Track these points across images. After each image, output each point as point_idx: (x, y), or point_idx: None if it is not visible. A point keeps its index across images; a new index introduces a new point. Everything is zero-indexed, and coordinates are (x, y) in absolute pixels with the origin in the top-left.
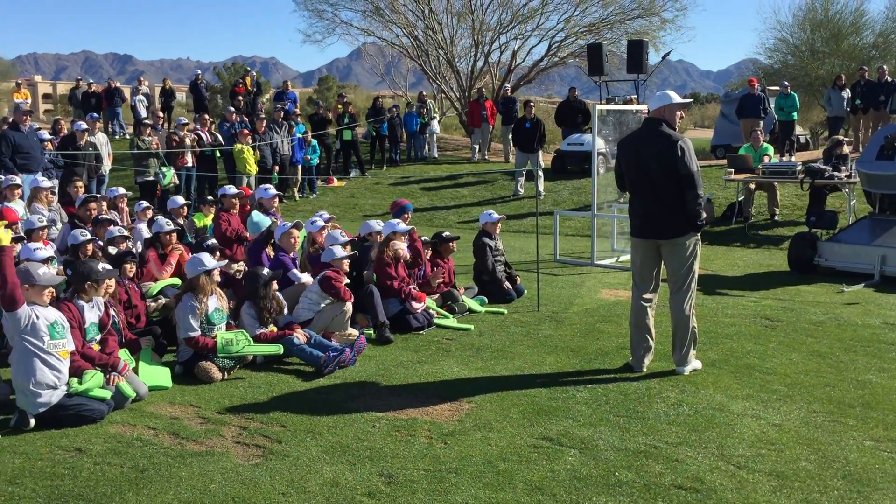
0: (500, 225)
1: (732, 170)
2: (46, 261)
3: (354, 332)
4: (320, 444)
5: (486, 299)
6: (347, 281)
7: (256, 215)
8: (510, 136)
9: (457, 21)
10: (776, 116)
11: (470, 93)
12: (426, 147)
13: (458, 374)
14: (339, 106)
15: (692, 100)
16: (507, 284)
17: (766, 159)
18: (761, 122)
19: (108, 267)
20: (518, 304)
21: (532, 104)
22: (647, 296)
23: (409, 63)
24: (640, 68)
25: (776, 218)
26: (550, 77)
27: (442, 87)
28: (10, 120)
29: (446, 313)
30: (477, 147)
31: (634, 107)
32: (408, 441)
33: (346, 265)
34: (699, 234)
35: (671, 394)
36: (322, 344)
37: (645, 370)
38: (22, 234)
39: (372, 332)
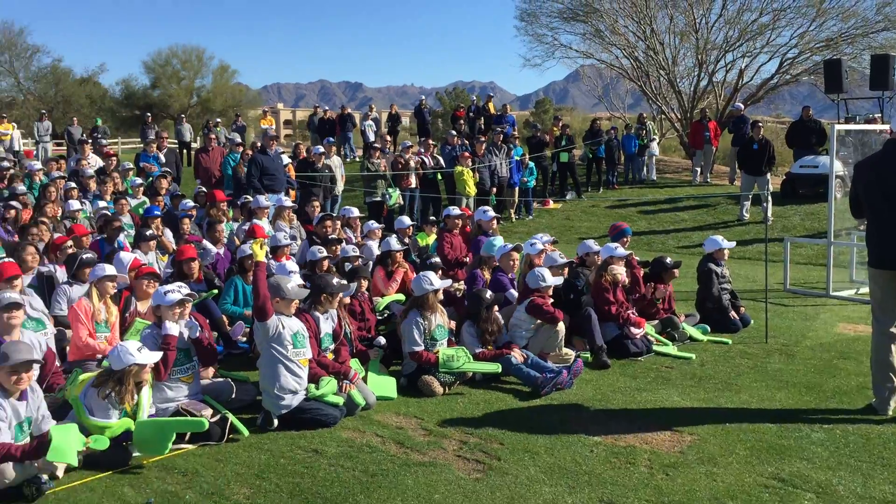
0: (726, 251)
1: None
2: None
3: (570, 353)
4: (538, 464)
5: (709, 328)
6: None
7: (497, 239)
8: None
9: (679, 40)
10: None
11: (692, 113)
12: (644, 169)
13: (679, 403)
14: (556, 128)
15: None
16: (732, 313)
17: None
18: None
19: (343, 282)
20: (743, 335)
21: (760, 124)
22: (892, 330)
23: (627, 84)
24: (884, 85)
25: None
26: (781, 96)
27: (662, 108)
28: (259, 145)
29: (666, 340)
30: (699, 169)
31: (878, 126)
32: (627, 469)
33: (550, 289)
34: None
35: None
36: (539, 365)
37: (890, 413)
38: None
39: (589, 355)
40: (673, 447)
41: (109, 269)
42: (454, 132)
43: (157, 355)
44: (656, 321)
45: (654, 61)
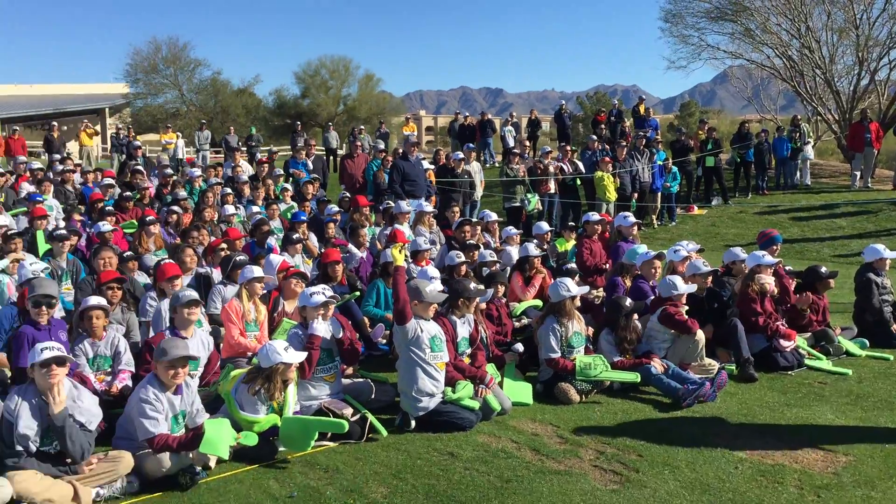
0: (888, 261)
1: None
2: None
3: (714, 364)
4: (678, 478)
5: (868, 342)
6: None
7: (640, 247)
8: None
9: (838, 38)
10: None
11: (851, 114)
12: (798, 174)
13: (833, 421)
14: (702, 132)
15: None
16: (894, 326)
17: None
18: None
19: (480, 287)
20: None
21: None
22: None
23: (780, 85)
24: None
25: None
26: None
27: (818, 109)
28: (400, 151)
29: (819, 354)
30: (858, 174)
31: None
32: (775, 488)
33: (683, 298)
34: None
35: None
36: (680, 376)
37: None
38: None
39: (734, 367)
40: (826, 468)
41: (258, 272)
42: (594, 136)
43: (302, 355)
44: (809, 334)
45: (809, 60)
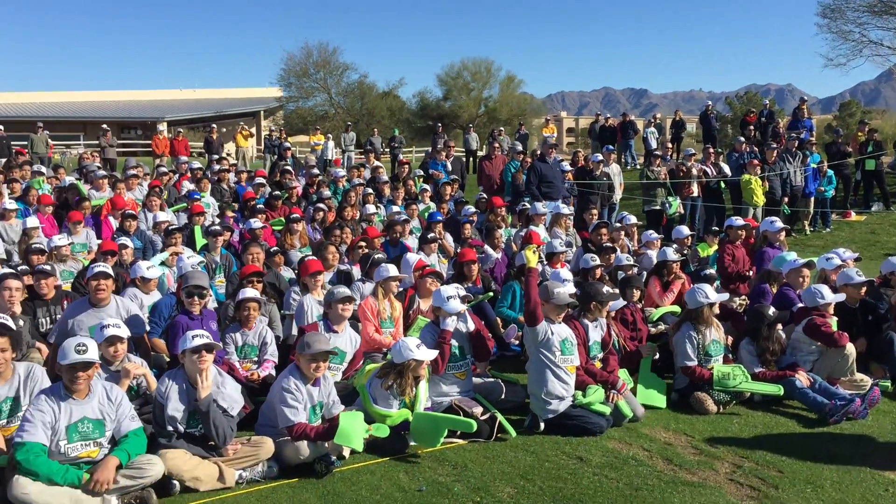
0: None
1: None
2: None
3: (866, 380)
4: (822, 497)
5: None
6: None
7: (790, 254)
8: None
9: None
10: None
11: None
12: None
13: None
14: (861, 133)
15: None
16: None
17: None
18: None
19: (614, 291)
20: None
21: None
22: None
23: None
24: None
25: None
26: None
27: None
28: (539, 152)
29: None
30: None
31: None
32: None
33: (831, 308)
34: None
35: None
36: (827, 390)
37: None
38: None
39: (888, 384)
40: None
41: (392, 270)
42: (742, 138)
43: (433, 352)
44: None
45: None
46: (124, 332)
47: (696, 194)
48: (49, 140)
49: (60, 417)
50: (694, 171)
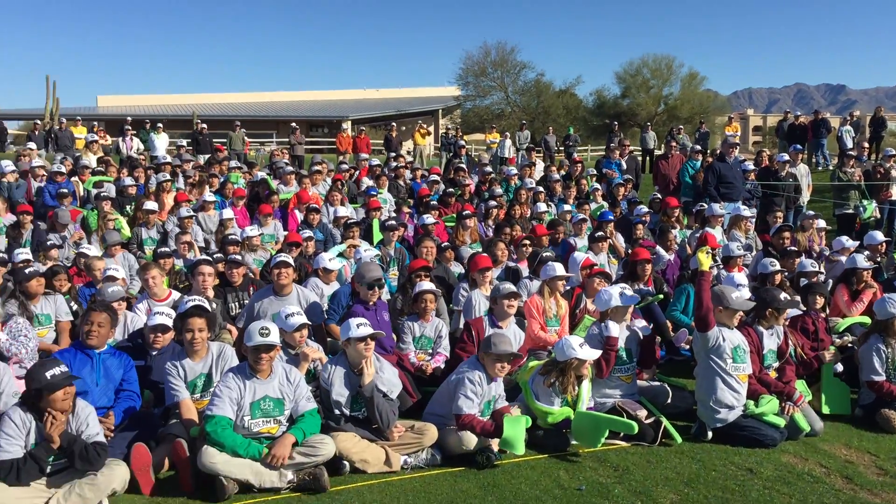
0: None
1: None
2: None
3: None
4: None
5: None
6: None
7: None
8: None
9: None
10: None
11: None
12: None
13: None
14: None
15: None
16: None
17: None
18: None
19: (794, 298)
20: None
21: None
22: None
23: None
24: None
25: None
26: None
27: None
28: (718, 152)
29: None
30: None
31: None
32: None
33: None
34: None
35: None
36: None
37: None
38: (719, 260)
39: None
40: None
41: (559, 269)
42: None
43: (596, 352)
44: None
45: None
46: (305, 319)
47: (894, 198)
48: (245, 138)
49: (245, 395)
50: (894, 174)
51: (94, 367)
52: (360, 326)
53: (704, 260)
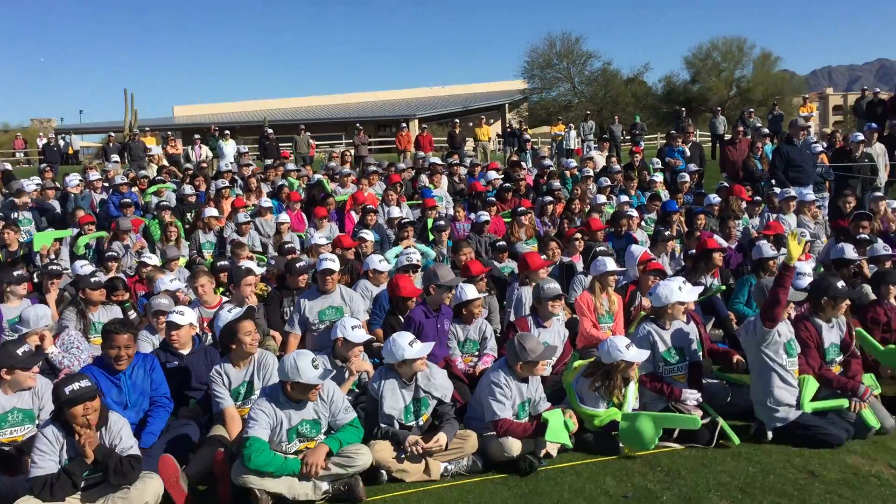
0: None
1: None
2: None
3: None
4: None
5: None
6: None
7: None
8: None
9: None
10: None
11: None
12: None
13: None
14: None
15: None
16: None
17: None
18: None
19: (860, 286)
20: None
21: None
22: None
23: None
24: None
25: None
26: None
27: None
28: (787, 134)
29: None
30: None
31: None
32: None
33: None
34: None
35: None
36: None
37: None
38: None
39: None
40: None
41: (610, 264)
42: None
43: (645, 353)
44: None
45: None
46: (368, 335)
47: None
48: (311, 140)
49: (282, 422)
50: None
51: (121, 389)
52: (412, 345)
53: (795, 249)
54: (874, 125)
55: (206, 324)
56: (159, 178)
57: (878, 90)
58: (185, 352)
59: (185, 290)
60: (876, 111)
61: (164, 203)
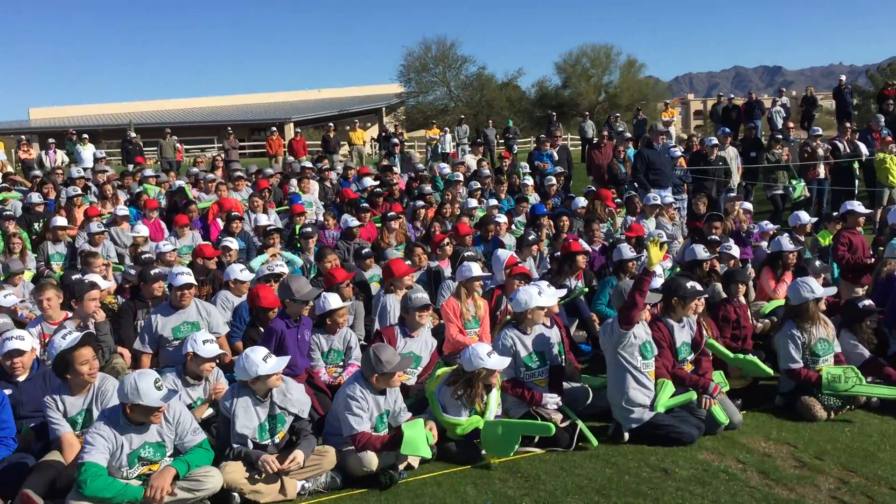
0: None
1: None
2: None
3: None
4: None
5: None
6: None
7: None
8: None
9: None
10: None
11: None
12: None
13: None
14: None
15: None
16: None
17: None
18: None
19: (697, 287)
20: None
21: None
22: None
23: None
24: None
25: None
26: None
27: None
28: (647, 139)
29: None
30: None
31: None
32: None
33: None
34: None
35: None
36: None
37: None
38: None
39: None
40: None
41: (475, 269)
42: (881, 116)
43: (506, 361)
44: None
45: None
46: (220, 349)
47: (822, 176)
48: (177, 145)
49: (122, 447)
50: (820, 152)
51: None
52: (267, 360)
53: (655, 255)
54: (727, 130)
55: (46, 340)
56: (3, 185)
57: (731, 96)
58: (23, 378)
59: (30, 304)
60: (731, 116)
61: (8, 213)
